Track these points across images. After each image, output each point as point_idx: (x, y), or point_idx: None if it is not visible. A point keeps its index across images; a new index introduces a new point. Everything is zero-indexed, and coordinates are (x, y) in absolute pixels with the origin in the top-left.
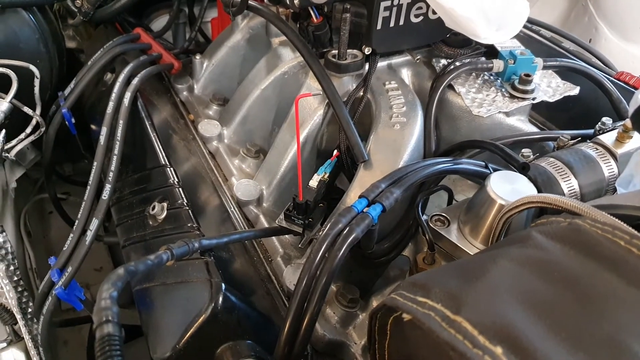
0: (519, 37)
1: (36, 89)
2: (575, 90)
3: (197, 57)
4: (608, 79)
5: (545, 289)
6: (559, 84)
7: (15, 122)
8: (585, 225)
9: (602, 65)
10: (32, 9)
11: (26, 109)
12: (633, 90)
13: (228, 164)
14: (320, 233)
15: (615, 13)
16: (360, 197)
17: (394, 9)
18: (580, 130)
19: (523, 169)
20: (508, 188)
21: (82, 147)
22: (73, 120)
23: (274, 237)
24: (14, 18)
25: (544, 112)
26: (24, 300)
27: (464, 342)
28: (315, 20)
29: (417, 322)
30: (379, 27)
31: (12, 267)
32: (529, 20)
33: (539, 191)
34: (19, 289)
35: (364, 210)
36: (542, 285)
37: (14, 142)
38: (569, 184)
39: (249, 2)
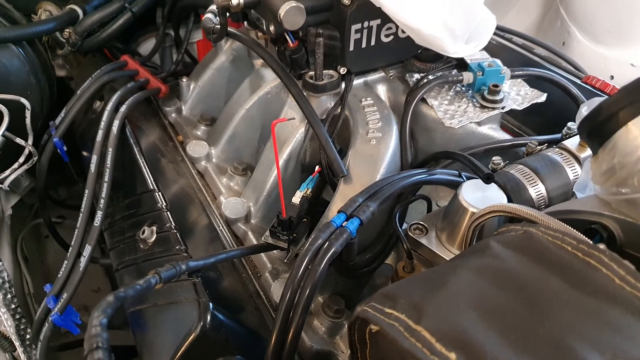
0: (492, 46)
1: (27, 120)
2: (542, 98)
3: (184, 79)
4: (575, 83)
5: (498, 296)
6: (527, 91)
7: (8, 152)
8: (537, 233)
9: (573, 69)
10: (21, 42)
11: (18, 140)
12: (599, 93)
13: (217, 183)
14: (303, 248)
15: (585, 17)
16: (338, 212)
17: (365, 31)
18: (550, 134)
19: (487, 179)
20: (479, 196)
21: (75, 173)
22: (65, 148)
23: (262, 253)
24: (4, 52)
25: (519, 117)
26: (22, 327)
27: (423, 350)
28: (291, 44)
29: (383, 332)
30: (351, 48)
31: (9, 295)
32: (502, 29)
33: (508, 197)
34: (17, 316)
35: (343, 225)
36: (495, 292)
37: (7, 172)
38: (537, 189)
39: (229, 29)
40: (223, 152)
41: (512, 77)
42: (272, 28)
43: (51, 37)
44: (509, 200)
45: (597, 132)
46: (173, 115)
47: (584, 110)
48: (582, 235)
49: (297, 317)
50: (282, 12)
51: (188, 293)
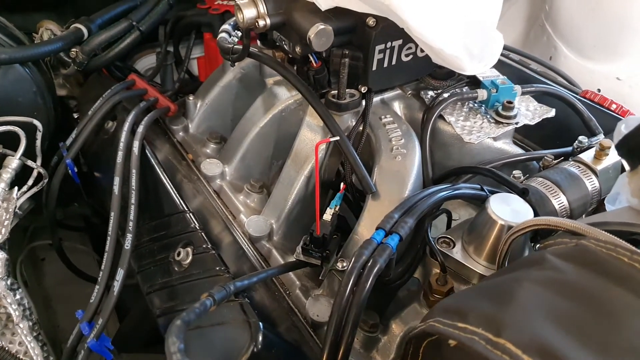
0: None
1: (38, 142)
2: (551, 113)
3: (191, 97)
4: (577, 98)
5: (568, 306)
6: (536, 107)
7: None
8: (590, 245)
9: (568, 84)
10: (27, 63)
11: (30, 162)
12: (597, 107)
13: (234, 201)
14: (337, 264)
15: (571, 32)
16: (377, 228)
17: (387, 51)
18: (552, 146)
19: (523, 193)
20: (507, 209)
21: (85, 194)
22: (76, 169)
23: (291, 273)
24: (12, 73)
25: (521, 131)
26: (45, 355)
27: None
28: (314, 65)
29: (463, 346)
30: (374, 68)
31: (30, 323)
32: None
33: (534, 210)
34: (39, 344)
35: (383, 241)
36: (565, 303)
37: (17, 194)
38: (559, 200)
39: (251, 50)
40: (236, 170)
41: (524, 93)
42: (297, 49)
43: (54, 56)
44: (535, 212)
45: (638, 150)
46: (181, 133)
47: (622, 128)
48: (632, 245)
49: (346, 334)
50: (311, 34)
51: (236, 314)
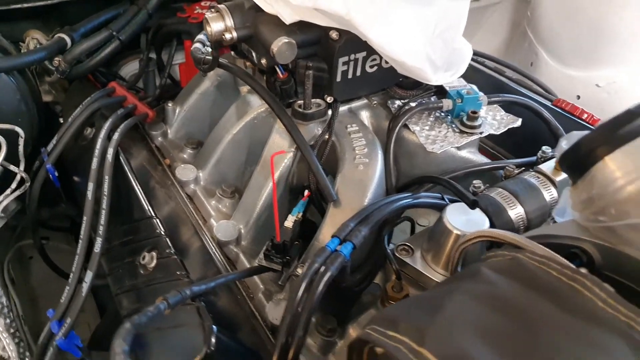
0: (467, 70)
1: (20, 147)
2: (517, 123)
3: (170, 104)
4: (546, 107)
5: (494, 319)
6: (503, 116)
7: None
8: (524, 259)
9: (543, 91)
10: (11, 71)
11: (12, 167)
12: (568, 116)
13: (206, 206)
14: (297, 270)
15: (551, 39)
16: (332, 236)
17: (351, 63)
18: (523, 154)
19: (473, 204)
20: (463, 219)
21: (65, 198)
22: (56, 174)
23: (256, 277)
24: None
25: (493, 139)
26: (21, 350)
27: None
28: (281, 76)
29: (389, 354)
30: (338, 79)
31: (7, 320)
32: (475, 53)
33: (490, 220)
34: (16, 340)
35: (337, 249)
36: (491, 316)
37: (0, 197)
38: (516, 211)
39: (220, 60)
40: (210, 175)
41: (490, 103)
42: (263, 61)
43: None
44: (491, 222)
45: (577, 165)
46: (159, 139)
47: (563, 144)
48: (565, 259)
49: (296, 338)
50: (274, 47)
51: (192, 317)
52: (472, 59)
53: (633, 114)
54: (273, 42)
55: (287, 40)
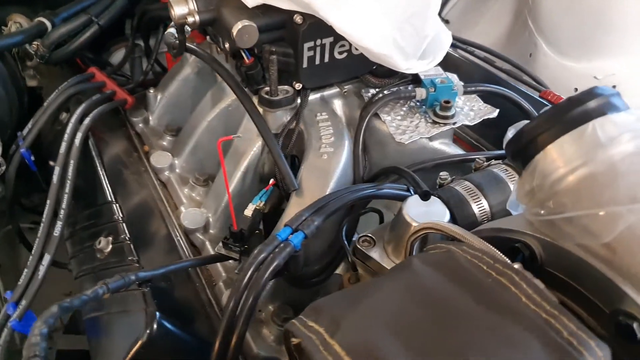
0: (454, 59)
1: None
2: (494, 114)
3: (151, 90)
4: (529, 98)
5: (411, 311)
6: (480, 107)
7: None
8: (458, 252)
9: (534, 82)
10: None
11: None
12: None
13: (178, 193)
14: None
15: (550, 29)
16: (285, 225)
17: (318, 49)
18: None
19: (425, 196)
20: (422, 210)
21: (43, 182)
22: (33, 158)
23: (217, 263)
24: None
25: (477, 130)
26: None
27: None
28: (247, 61)
29: (302, 344)
30: (305, 65)
31: None
32: (466, 42)
33: (451, 212)
34: None
35: (288, 239)
36: (409, 308)
37: None
38: (480, 204)
39: (187, 45)
40: (187, 163)
41: (465, 92)
42: (227, 45)
43: (20, 48)
44: (452, 215)
45: (520, 155)
46: (140, 125)
47: (509, 134)
48: (501, 254)
49: (239, 325)
50: (234, 30)
51: (138, 302)
52: (462, 48)
53: (575, 102)
54: (233, 25)
55: (247, 24)
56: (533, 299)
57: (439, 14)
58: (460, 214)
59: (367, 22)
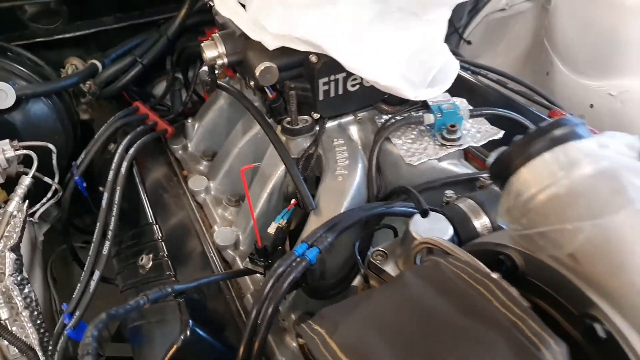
0: (468, 83)
1: (54, 162)
2: (499, 135)
3: (189, 120)
4: (540, 118)
5: (400, 317)
6: (487, 129)
7: (39, 188)
8: (444, 264)
9: (545, 101)
10: (50, 95)
11: (46, 179)
12: None
13: (213, 213)
14: None
15: (566, 49)
16: (302, 242)
17: (332, 83)
18: None
19: (424, 213)
20: (427, 227)
21: (94, 206)
22: (85, 185)
23: (246, 277)
24: (36, 104)
25: (490, 147)
26: (45, 339)
27: (329, 358)
28: (270, 96)
29: (305, 344)
30: (321, 98)
31: (35, 312)
32: (480, 66)
33: (455, 228)
34: (41, 330)
35: (304, 254)
36: (399, 314)
37: (37, 206)
38: (482, 221)
39: (218, 82)
40: (221, 185)
41: (472, 116)
42: (252, 83)
43: (75, 87)
44: (455, 230)
45: (499, 177)
46: (180, 152)
47: (491, 158)
48: (482, 265)
49: (260, 332)
50: (257, 71)
51: (174, 312)
52: (476, 72)
53: (543, 131)
54: (256, 66)
55: (268, 65)
56: (505, 304)
57: (461, 35)
58: (463, 229)
59: (375, 59)
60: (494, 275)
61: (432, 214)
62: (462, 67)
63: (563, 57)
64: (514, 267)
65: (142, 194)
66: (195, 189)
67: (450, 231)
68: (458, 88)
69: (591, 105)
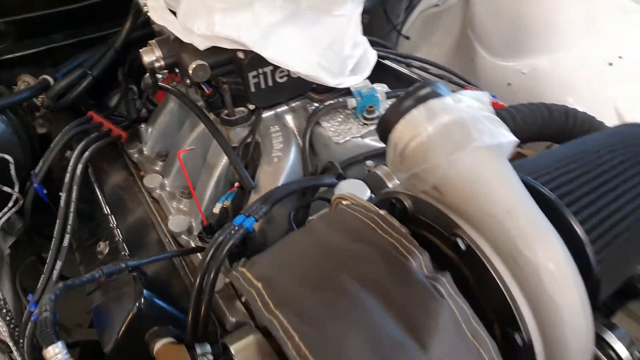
0: (394, 71)
1: (12, 172)
2: None
3: (143, 125)
4: None
5: (304, 252)
6: None
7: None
8: (344, 209)
9: (461, 81)
10: (4, 110)
11: (5, 188)
12: None
13: (168, 206)
14: None
15: (484, 35)
16: (240, 214)
17: (261, 76)
18: None
19: (339, 177)
20: (348, 190)
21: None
22: (45, 191)
23: (199, 254)
24: None
25: None
26: (16, 334)
27: (244, 283)
28: (206, 91)
29: (230, 282)
30: (252, 90)
31: (4, 310)
32: (404, 56)
33: (371, 190)
34: (12, 325)
35: (242, 224)
36: (303, 250)
37: None
38: (395, 182)
39: (160, 84)
40: (174, 181)
41: (389, 97)
42: (187, 81)
43: (29, 101)
44: (372, 192)
45: (382, 134)
46: (136, 155)
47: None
48: (374, 206)
49: (206, 294)
50: (190, 69)
51: (128, 284)
52: (402, 62)
53: (411, 92)
54: (189, 65)
55: (200, 63)
56: (385, 230)
57: (400, 32)
58: (377, 191)
59: (294, 52)
60: (382, 212)
61: (354, 180)
62: (389, 58)
63: (483, 42)
64: (404, 208)
65: (97, 190)
66: (151, 186)
67: (368, 193)
68: (387, 76)
69: (508, 84)
